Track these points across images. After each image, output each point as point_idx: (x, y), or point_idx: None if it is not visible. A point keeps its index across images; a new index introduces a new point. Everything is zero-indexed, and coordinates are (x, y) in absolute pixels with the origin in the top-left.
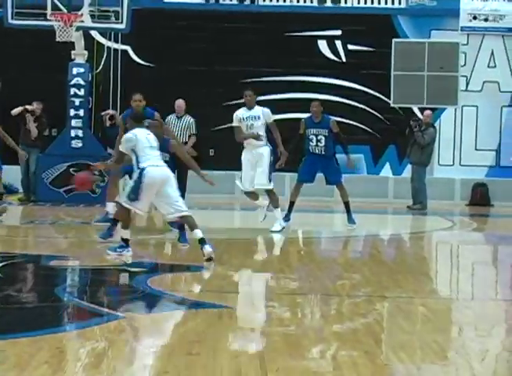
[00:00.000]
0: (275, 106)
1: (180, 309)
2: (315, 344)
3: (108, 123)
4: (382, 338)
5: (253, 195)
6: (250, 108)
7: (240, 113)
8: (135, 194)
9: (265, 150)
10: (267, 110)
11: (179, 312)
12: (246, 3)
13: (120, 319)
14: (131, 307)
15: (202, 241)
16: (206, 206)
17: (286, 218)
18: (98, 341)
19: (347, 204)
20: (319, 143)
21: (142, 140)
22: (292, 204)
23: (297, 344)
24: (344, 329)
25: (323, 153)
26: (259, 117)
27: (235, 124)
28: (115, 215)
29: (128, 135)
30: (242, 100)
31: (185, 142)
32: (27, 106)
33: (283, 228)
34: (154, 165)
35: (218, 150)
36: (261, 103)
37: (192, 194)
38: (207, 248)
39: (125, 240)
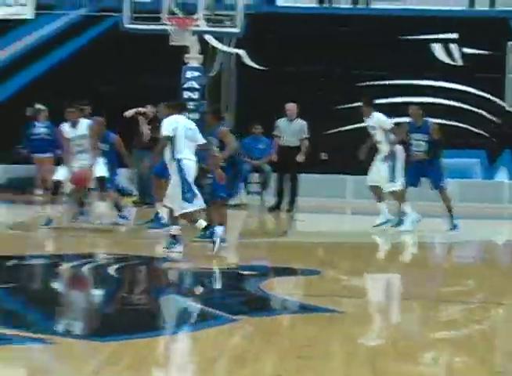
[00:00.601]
0: (391, 110)
1: (291, 313)
2: (427, 350)
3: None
4: (498, 345)
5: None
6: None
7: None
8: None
9: None
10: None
11: (291, 316)
12: (359, 6)
13: (233, 322)
14: (243, 310)
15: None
16: (317, 210)
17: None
18: (210, 344)
19: (448, 208)
20: (420, 148)
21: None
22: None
23: (409, 350)
24: (458, 335)
25: (424, 157)
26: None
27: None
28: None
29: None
30: (355, 104)
31: (297, 146)
32: (140, 109)
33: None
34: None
35: (330, 155)
36: (377, 107)
37: (304, 197)
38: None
39: (174, 236)
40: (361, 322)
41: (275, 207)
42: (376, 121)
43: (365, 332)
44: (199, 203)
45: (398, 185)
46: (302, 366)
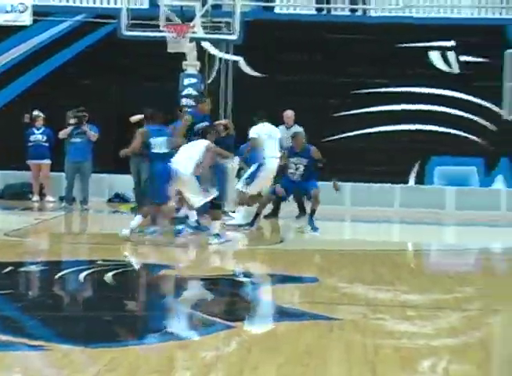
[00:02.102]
0: (386, 117)
1: (291, 320)
2: (426, 357)
3: (223, 133)
4: (495, 351)
5: None
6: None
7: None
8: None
9: None
10: None
11: (290, 323)
12: (357, 14)
13: (231, 329)
14: (241, 317)
15: None
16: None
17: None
18: (208, 351)
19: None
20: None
21: None
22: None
23: (408, 357)
24: (456, 342)
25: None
26: None
27: None
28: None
29: None
30: (351, 112)
31: None
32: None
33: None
34: None
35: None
36: (371, 114)
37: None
38: None
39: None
40: (360, 330)
41: (273, 215)
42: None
43: (365, 340)
44: None
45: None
46: (302, 374)
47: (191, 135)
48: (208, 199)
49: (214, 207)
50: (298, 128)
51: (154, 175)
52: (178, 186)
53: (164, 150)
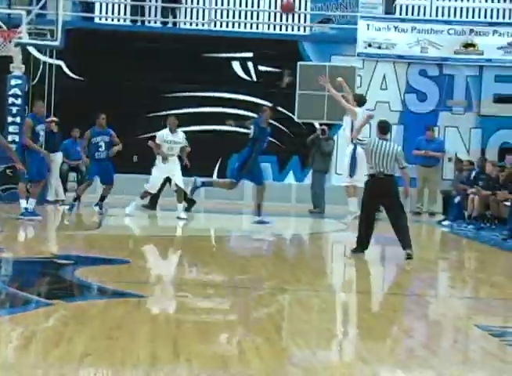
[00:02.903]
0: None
1: (102, 298)
2: (223, 331)
3: (55, 129)
4: (282, 326)
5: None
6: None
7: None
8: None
9: None
10: None
11: (102, 301)
12: (168, 26)
13: (49, 306)
14: (58, 295)
15: None
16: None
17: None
18: (27, 326)
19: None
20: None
21: None
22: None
23: (207, 331)
24: (249, 317)
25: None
26: None
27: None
28: None
29: None
30: (162, 113)
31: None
32: None
33: None
34: None
35: (140, 157)
36: (181, 116)
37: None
38: None
39: None
40: (164, 306)
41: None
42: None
43: (169, 315)
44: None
45: None
46: (111, 346)
47: None
48: None
49: None
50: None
51: None
52: None
53: None
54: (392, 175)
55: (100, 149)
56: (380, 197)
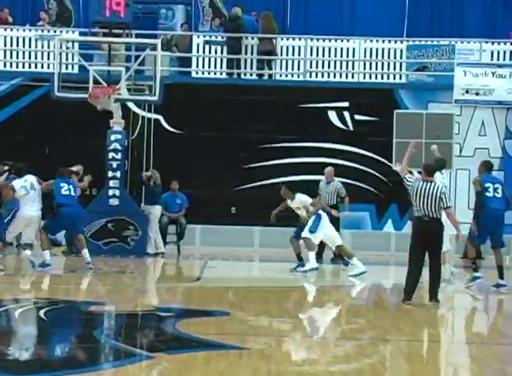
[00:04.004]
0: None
1: (204, 350)
2: None
3: (152, 182)
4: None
5: None
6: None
7: None
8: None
9: None
10: None
11: (203, 353)
12: (264, 78)
13: (151, 359)
14: (161, 348)
15: None
16: (228, 257)
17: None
18: None
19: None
20: None
21: None
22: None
23: None
24: (350, 368)
25: None
26: None
27: None
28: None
29: None
30: (260, 164)
31: (335, 205)
32: (73, 168)
33: None
34: None
35: (238, 208)
36: (277, 167)
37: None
38: None
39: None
40: (267, 357)
41: None
42: (300, 202)
43: (271, 368)
44: None
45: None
46: None
47: None
48: None
49: None
50: (337, 183)
51: None
52: None
53: None
54: (439, 219)
55: None
56: (426, 239)
